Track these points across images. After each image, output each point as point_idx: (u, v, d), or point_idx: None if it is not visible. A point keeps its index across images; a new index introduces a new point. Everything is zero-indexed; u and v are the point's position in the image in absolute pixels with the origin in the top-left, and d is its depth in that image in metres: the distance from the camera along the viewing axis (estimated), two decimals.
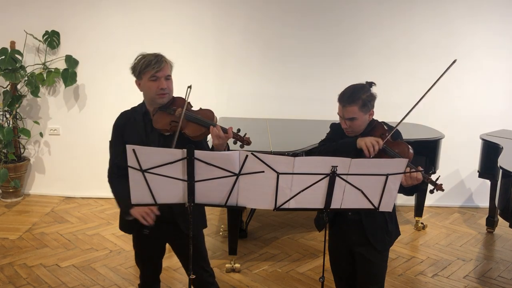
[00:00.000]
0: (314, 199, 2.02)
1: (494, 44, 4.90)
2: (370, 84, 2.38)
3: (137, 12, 4.80)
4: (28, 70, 4.77)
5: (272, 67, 4.96)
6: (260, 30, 4.89)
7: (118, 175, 2.29)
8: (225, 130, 2.21)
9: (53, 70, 4.82)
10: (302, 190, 1.98)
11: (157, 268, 2.55)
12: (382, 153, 2.25)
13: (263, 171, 1.92)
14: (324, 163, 1.94)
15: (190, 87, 2.23)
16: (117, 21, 4.82)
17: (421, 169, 2.17)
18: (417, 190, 2.22)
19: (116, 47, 4.85)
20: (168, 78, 2.29)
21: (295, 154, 3.42)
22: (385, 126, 2.37)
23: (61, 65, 4.82)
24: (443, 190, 2.22)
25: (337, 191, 2.00)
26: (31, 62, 4.83)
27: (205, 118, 2.26)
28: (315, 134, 4.03)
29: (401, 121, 2.32)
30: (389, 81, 4.95)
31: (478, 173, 4.34)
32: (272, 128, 4.27)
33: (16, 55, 4.66)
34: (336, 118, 3.71)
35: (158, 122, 2.27)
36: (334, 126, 2.57)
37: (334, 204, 2.05)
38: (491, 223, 4.46)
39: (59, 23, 4.79)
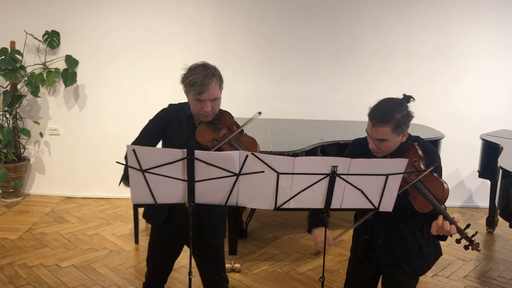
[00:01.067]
0: (314, 199, 2.02)
1: (494, 44, 4.90)
2: (408, 98, 2.08)
3: (137, 12, 4.80)
4: (28, 70, 4.77)
5: (272, 67, 4.96)
6: (260, 30, 4.89)
7: None
8: None
9: (53, 70, 4.82)
10: (302, 190, 1.98)
11: (169, 268, 2.54)
12: (412, 189, 2.00)
13: (263, 171, 1.92)
14: (324, 163, 1.93)
15: (260, 113, 2.20)
16: (117, 21, 4.82)
17: (456, 219, 1.95)
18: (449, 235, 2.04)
19: (116, 47, 4.85)
20: (215, 100, 2.20)
21: (295, 154, 3.42)
22: (418, 149, 2.06)
23: (61, 65, 4.82)
24: (479, 250, 1.94)
25: (337, 191, 2.00)
26: (31, 62, 4.83)
27: (246, 147, 2.21)
28: (315, 134, 4.04)
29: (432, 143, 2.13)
30: (388, 81, 4.95)
31: (478, 173, 4.34)
32: (272, 128, 4.27)
33: (16, 55, 4.66)
34: (336, 118, 3.78)
35: (201, 135, 2.24)
36: (355, 143, 2.29)
37: (334, 204, 2.04)
38: (491, 223, 4.46)
39: (59, 23, 4.79)
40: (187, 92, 2.23)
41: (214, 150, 2.14)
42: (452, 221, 1.94)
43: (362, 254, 2.33)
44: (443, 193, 1.97)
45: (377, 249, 2.29)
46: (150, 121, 2.38)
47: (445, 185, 1.99)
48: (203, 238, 2.34)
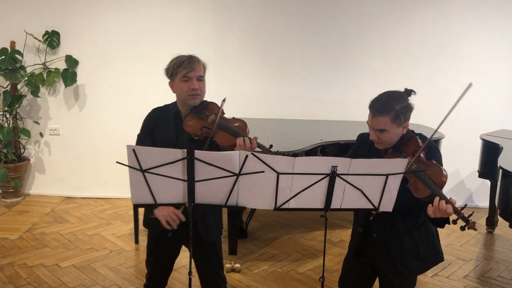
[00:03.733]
0: (314, 199, 2.02)
1: (494, 43, 4.90)
2: (409, 92, 2.12)
3: (137, 12, 4.80)
4: (28, 70, 4.77)
5: (272, 67, 4.96)
6: (260, 30, 4.89)
7: None
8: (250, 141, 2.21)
9: (53, 70, 4.82)
10: (302, 190, 1.98)
11: (169, 269, 2.53)
12: (411, 175, 2.04)
13: (263, 171, 1.92)
14: (324, 163, 1.93)
15: (224, 100, 2.24)
16: (117, 21, 4.82)
17: (453, 200, 1.97)
18: (447, 222, 2.05)
19: (116, 47, 4.85)
20: (201, 79, 2.29)
21: (295, 154, 3.42)
22: (419, 141, 2.11)
23: (61, 65, 4.82)
24: (475, 229, 1.95)
25: (337, 191, 2.00)
26: (31, 62, 4.83)
27: (237, 129, 2.25)
28: (315, 134, 4.04)
29: (432, 136, 2.10)
30: (389, 81, 4.94)
31: (478, 173, 4.34)
32: (272, 128, 4.27)
33: (16, 55, 4.66)
34: (336, 118, 3.78)
35: (189, 125, 2.26)
36: (360, 137, 2.33)
37: (334, 204, 2.05)
38: (491, 223, 4.46)
39: (59, 23, 4.79)
40: (173, 79, 2.30)
41: (209, 137, 2.19)
42: (448, 201, 1.95)
43: (356, 248, 2.31)
44: (442, 178, 2.02)
45: (371, 245, 2.27)
46: (141, 130, 2.41)
47: (444, 171, 2.03)
48: (196, 233, 2.32)
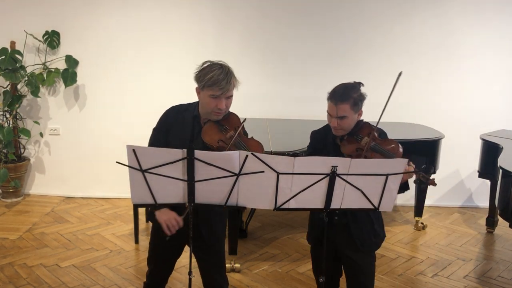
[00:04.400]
0: (314, 199, 2.03)
1: (494, 43, 4.90)
2: (359, 83, 2.39)
3: (137, 12, 4.80)
4: (28, 70, 4.77)
5: (272, 67, 4.96)
6: (260, 30, 4.89)
7: None
8: None
9: (53, 70, 4.82)
10: (302, 190, 1.98)
11: (170, 268, 2.53)
12: (373, 152, 2.27)
13: (263, 171, 1.92)
14: (324, 163, 1.94)
15: (244, 120, 2.26)
16: (117, 21, 4.82)
17: (412, 165, 2.17)
18: (406, 188, 2.27)
19: (116, 47, 4.85)
20: (230, 97, 2.24)
21: (295, 154, 3.42)
22: (371, 124, 2.38)
23: (61, 65, 4.82)
24: (435, 184, 2.21)
25: (337, 191, 2.01)
26: (31, 62, 4.83)
27: (252, 150, 2.20)
28: None
29: (380, 119, 2.30)
30: (389, 81, 4.92)
31: (478, 173, 4.34)
32: (272, 128, 4.27)
33: (16, 55, 4.66)
34: None
35: (207, 135, 2.23)
36: (314, 134, 2.55)
37: (334, 204, 2.05)
38: (491, 223, 4.46)
39: (59, 23, 4.79)
40: (202, 89, 2.21)
41: (220, 150, 2.14)
42: (408, 164, 2.15)
43: (319, 233, 2.38)
44: (398, 149, 2.28)
45: (332, 229, 2.32)
46: (157, 124, 2.38)
47: (400, 148, 2.29)
48: (199, 236, 2.33)
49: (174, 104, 2.43)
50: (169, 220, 2.18)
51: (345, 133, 2.36)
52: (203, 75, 2.20)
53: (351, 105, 2.30)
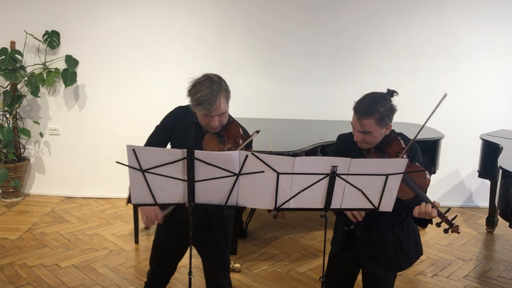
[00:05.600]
0: (314, 199, 2.02)
1: (494, 43, 4.90)
2: (392, 93, 2.16)
3: (137, 12, 4.80)
4: (28, 70, 4.77)
5: (272, 67, 4.96)
6: (260, 30, 4.89)
7: None
8: None
9: (53, 70, 4.82)
10: (302, 190, 1.98)
11: (172, 269, 2.52)
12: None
13: (263, 171, 1.92)
14: (324, 163, 1.93)
15: (258, 131, 2.20)
16: (117, 21, 4.82)
17: (437, 203, 2.02)
18: (429, 223, 2.12)
19: (116, 47, 4.85)
20: (222, 114, 2.20)
21: (295, 154, 3.42)
22: (402, 142, 2.16)
23: (61, 65, 4.82)
24: (458, 232, 2.00)
25: (337, 191, 2.00)
26: (31, 62, 4.83)
27: None
28: (315, 134, 4.04)
29: (414, 139, 2.12)
30: (389, 81, 4.93)
31: (478, 173, 4.34)
32: (272, 128, 4.27)
33: (16, 55, 4.66)
34: (336, 118, 3.74)
35: (207, 145, 2.24)
36: (340, 138, 2.39)
37: (334, 204, 2.05)
38: (491, 223, 4.46)
39: (59, 23, 4.79)
40: (194, 108, 2.21)
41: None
42: (433, 205, 2.01)
43: (341, 244, 2.33)
44: (425, 181, 2.06)
45: (356, 241, 2.30)
46: (161, 123, 2.39)
47: (427, 174, 2.08)
48: (212, 238, 2.34)
49: (174, 105, 2.43)
50: (149, 213, 2.23)
51: (370, 147, 2.19)
52: (192, 94, 2.18)
53: (376, 121, 2.09)
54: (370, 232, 2.25)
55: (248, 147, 2.29)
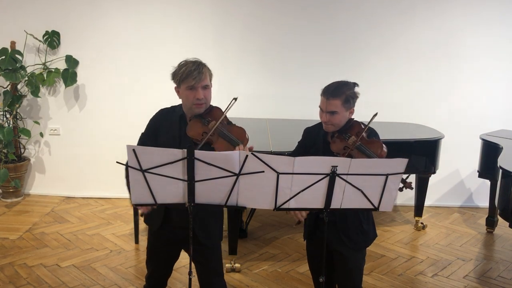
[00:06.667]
0: (314, 199, 2.03)
1: (494, 43, 4.90)
2: (354, 84, 2.43)
3: (137, 12, 4.80)
4: (28, 70, 4.77)
5: (272, 67, 4.96)
6: (259, 30, 4.89)
7: None
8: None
9: (53, 70, 4.82)
10: (302, 190, 1.98)
11: (168, 271, 2.53)
12: (358, 152, 2.29)
13: (263, 171, 1.92)
14: (324, 163, 1.94)
15: (235, 99, 2.27)
16: (117, 21, 4.82)
17: None
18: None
19: (116, 47, 4.85)
20: (206, 87, 2.29)
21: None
22: (362, 125, 2.41)
23: (61, 65, 4.82)
24: (412, 188, 2.27)
25: (337, 191, 2.01)
26: (31, 62, 4.83)
27: (236, 137, 2.26)
28: None
29: (371, 120, 2.32)
30: (388, 81, 4.95)
31: (478, 173, 4.34)
32: (272, 128, 4.27)
33: (16, 55, 4.66)
34: None
35: (191, 130, 2.28)
36: (306, 131, 2.60)
37: (334, 204, 2.05)
38: (491, 223, 4.46)
39: (59, 23, 4.79)
40: (179, 85, 2.30)
41: (205, 141, 2.21)
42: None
43: (310, 229, 2.51)
44: (382, 150, 2.30)
45: (322, 226, 2.33)
46: (145, 129, 2.42)
47: (383, 146, 2.31)
48: (195, 237, 2.31)
49: (174, 104, 2.45)
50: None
51: (335, 129, 2.40)
52: (177, 71, 2.30)
53: (342, 102, 2.33)
54: (335, 215, 2.37)
55: (230, 124, 2.33)
